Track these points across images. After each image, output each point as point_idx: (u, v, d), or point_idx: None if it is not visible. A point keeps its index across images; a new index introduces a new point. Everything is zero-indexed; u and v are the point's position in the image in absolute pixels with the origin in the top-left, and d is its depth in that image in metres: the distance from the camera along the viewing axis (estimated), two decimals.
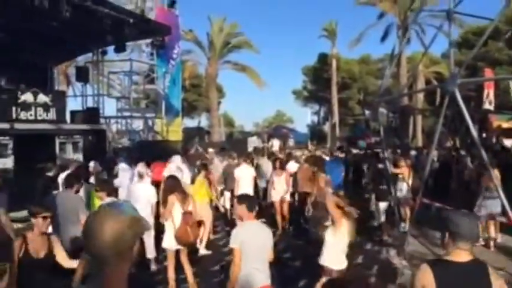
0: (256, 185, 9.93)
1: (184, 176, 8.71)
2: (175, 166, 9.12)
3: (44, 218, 3.86)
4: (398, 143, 22.95)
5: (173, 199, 5.81)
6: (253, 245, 4.03)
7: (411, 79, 29.24)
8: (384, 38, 32.62)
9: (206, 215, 7.95)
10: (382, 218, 8.81)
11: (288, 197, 9.53)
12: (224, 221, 10.10)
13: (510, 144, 15.81)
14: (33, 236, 3.84)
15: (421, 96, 32.62)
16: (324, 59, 41.03)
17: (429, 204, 10.32)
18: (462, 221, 2.51)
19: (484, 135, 17.03)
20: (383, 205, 8.83)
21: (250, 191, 8.49)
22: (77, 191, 5.94)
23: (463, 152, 12.96)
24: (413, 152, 15.80)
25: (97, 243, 1.45)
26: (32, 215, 3.87)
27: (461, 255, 2.49)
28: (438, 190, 11.43)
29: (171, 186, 5.96)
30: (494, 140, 17.19)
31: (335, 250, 4.59)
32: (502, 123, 18.09)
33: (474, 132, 6.88)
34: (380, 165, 9.56)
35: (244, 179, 9.14)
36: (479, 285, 2.45)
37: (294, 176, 9.99)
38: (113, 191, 5.97)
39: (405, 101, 30.53)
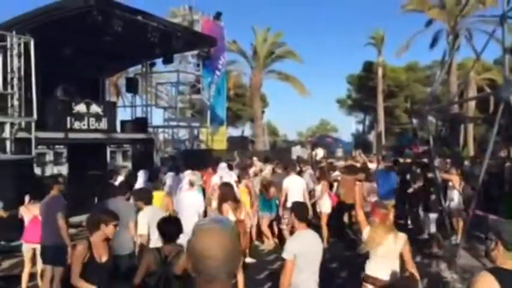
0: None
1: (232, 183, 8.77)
2: (225, 173, 9.19)
3: (115, 226, 4.03)
4: (448, 153, 22.19)
5: (226, 208, 5.87)
6: (306, 255, 3.98)
7: (462, 86, 28.23)
8: (433, 44, 31.77)
9: (248, 223, 7.98)
10: (433, 229, 8.52)
11: (326, 209, 9.05)
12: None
13: None
14: (98, 241, 3.97)
15: (472, 104, 31.37)
16: (369, 67, 40.38)
17: (483, 216, 9.89)
18: None
19: None
20: (433, 216, 8.52)
21: None
22: (128, 199, 6.14)
23: None
24: (466, 162, 15.20)
25: (211, 263, 1.42)
26: (103, 223, 3.97)
27: None
28: (490, 201, 10.95)
29: (224, 195, 6.04)
30: None
31: (375, 258, 4.35)
32: None
33: None
34: (429, 174, 9.27)
35: (294, 189, 8.48)
36: None
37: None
38: (151, 199, 5.90)
39: (455, 109, 29.47)
